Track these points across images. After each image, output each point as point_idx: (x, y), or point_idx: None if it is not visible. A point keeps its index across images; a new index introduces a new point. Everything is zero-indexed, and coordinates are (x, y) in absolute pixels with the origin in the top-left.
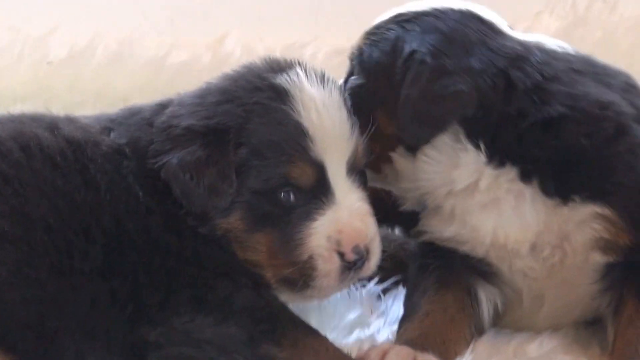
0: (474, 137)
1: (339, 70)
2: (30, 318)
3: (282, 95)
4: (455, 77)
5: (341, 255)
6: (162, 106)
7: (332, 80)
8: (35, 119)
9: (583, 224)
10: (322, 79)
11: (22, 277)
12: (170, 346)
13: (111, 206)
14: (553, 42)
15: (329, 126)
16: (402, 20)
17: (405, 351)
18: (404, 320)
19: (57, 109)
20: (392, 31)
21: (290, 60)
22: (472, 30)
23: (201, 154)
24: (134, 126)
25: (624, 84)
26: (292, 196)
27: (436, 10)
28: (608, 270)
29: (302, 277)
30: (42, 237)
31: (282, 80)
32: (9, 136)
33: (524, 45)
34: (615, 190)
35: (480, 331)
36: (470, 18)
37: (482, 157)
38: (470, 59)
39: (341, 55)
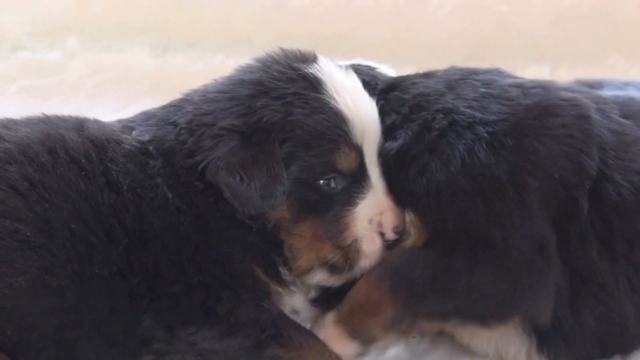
0: None
1: None
2: (51, 328)
3: (316, 85)
4: None
5: (381, 235)
6: (178, 107)
7: (347, 68)
8: (64, 120)
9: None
10: (340, 67)
11: (43, 286)
12: (173, 354)
13: (134, 205)
14: None
15: (363, 111)
16: None
17: None
18: None
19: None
20: None
21: (307, 51)
22: None
23: (246, 154)
24: (154, 126)
25: None
26: (333, 182)
27: None
28: None
29: (347, 260)
30: (65, 243)
31: (313, 69)
32: (37, 139)
33: None
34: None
35: None
36: None
37: None
38: None
39: None
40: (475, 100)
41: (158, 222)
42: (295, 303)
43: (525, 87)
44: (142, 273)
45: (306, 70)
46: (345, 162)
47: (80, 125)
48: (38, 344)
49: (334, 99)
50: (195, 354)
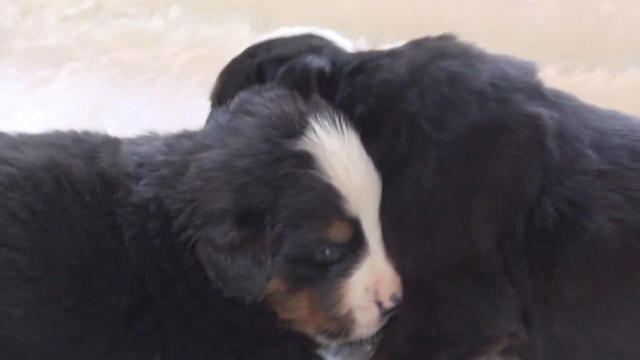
0: None
1: None
2: (46, 357)
3: (306, 161)
4: None
5: (379, 304)
6: (180, 167)
7: (346, 124)
8: (80, 142)
9: None
10: (337, 126)
11: (38, 317)
12: None
13: (134, 260)
14: None
15: (359, 180)
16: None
17: None
18: None
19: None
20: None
21: (301, 112)
22: None
23: (235, 237)
24: (156, 184)
25: None
26: (328, 252)
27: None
28: None
29: (343, 330)
30: (63, 277)
31: (302, 145)
32: (43, 165)
33: None
34: None
35: None
36: None
37: None
38: None
39: None
40: (436, 107)
41: (155, 288)
42: None
43: (485, 97)
44: (148, 330)
45: (294, 148)
46: (339, 235)
47: (92, 153)
48: None
49: (325, 172)
50: None
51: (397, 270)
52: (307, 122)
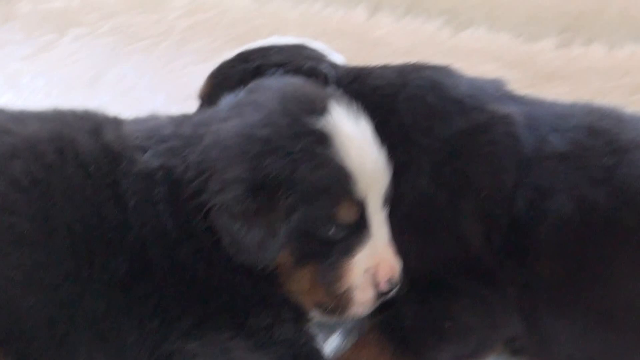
0: None
1: None
2: (42, 321)
3: (323, 140)
4: None
5: (375, 285)
6: (190, 138)
7: (362, 113)
8: (83, 119)
9: None
10: (354, 114)
11: (37, 281)
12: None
13: (137, 226)
14: None
15: (370, 165)
16: (248, 59)
17: None
18: None
19: None
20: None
21: (322, 94)
22: None
23: (251, 205)
24: (165, 154)
25: None
26: (332, 231)
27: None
28: None
29: (339, 307)
30: (63, 242)
31: (321, 123)
32: (47, 137)
33: None
34: None
35: None
36: None
37: None
38: None
39: None
40: (424, 118)
41: (157, 250)
42: None
43: (464, 104)
44: (146, 294)
45: (314, 126)
46: (345, 215)
47: (97, 128)
48: (29, 335)
49: (340, 154)
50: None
51: (404, 270)
52: (327, 105)
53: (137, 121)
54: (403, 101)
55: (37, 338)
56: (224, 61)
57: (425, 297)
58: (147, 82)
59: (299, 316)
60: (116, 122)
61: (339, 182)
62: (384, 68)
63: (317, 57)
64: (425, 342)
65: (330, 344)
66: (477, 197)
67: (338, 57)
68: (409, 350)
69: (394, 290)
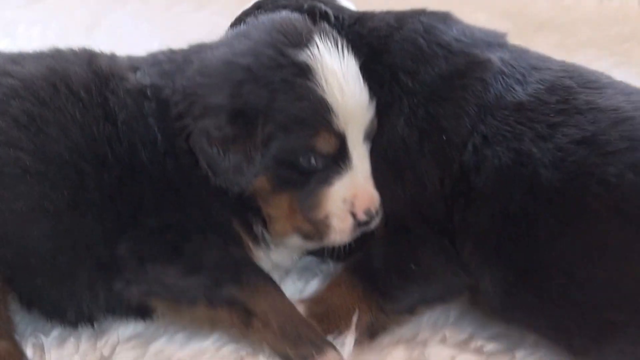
0: None
1: None
2: (47, 251)
3: (305, 72)
4: None
5: (353, 215)
6: (181, 64)
7: (348, 49)
8: (78, 54)
9: None
10: (339, 49)
11: (42, 211)
12: (140, 284)
13: (127, 137)
14: None
15: (350, 99)
16: (260, 7)
17: None
18: None
19: None
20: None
21: (309, 28)
22: None
23: (228, 132)
24: (156, 75)
25: None
26: (313, 160)
27: None
28: None
29: (318, 233)
30: (61, 171)
31: (303, 56)
32: (40, 74)
33: None
34: None
35: None
36: None
37: None
38: None
39: None
40: (411, 59)
41: (147, 156)
42: (275, 258)
43: (451, 49)
44: (128, 201)
45: (295, 58)
46: (324, 146)
47: (91, 60)
48: (35, 267)
49: (321, 86)
50: (160, 287)
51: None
52: (312, 38)
53: (132, 55)
54: (396, 42)
55: (41, 271)
56: (243, 11)
57: (393, 241)
58: (143, 30)
59: (229, 240)
60: (112, 55)
61: (317, 114)
62: (386, 13)
63: (326, 2)
64: (392, 283)
65: (312, 287)
66: (439, 140)
67: (347, 3)
68: (377, 290)
69: (374, 222)
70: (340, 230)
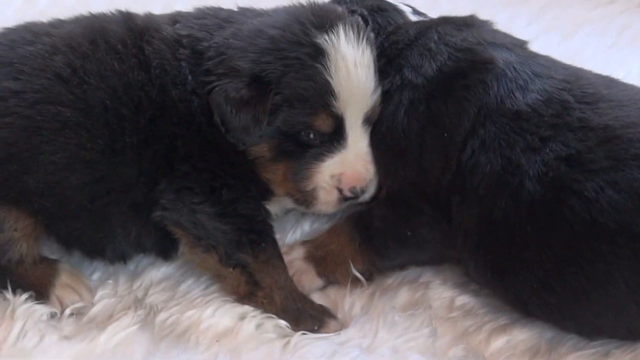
0: None
1: None
2: (85, 198)
3: (318, 54)
4: None
5: (340, 190)
6: (222, 23)
7: (368, 38)
8: (114, 15)
9: None
10: (359, 37)
11: (79, 161)
12: (173, 212)
13: (159, 79)
14: None
15: (355, 86)
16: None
17: None
18: None
19: None
20: None
21: (337, 14)
22: None
23: (244, 94)
24: (196, 27)
25: None
26: (311, 136)
27: None
28: None
29: (306, 202)
30: (100, 119)
31: (322, 39)
32: (80, 32)
33: None
34: None
35: None
36: None
37: None
38: None
39: None
40: (419, 57)
41: (177, 95)
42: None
43: (456, 47)
44: (163, 143)
45: (314, 39)
46: (322, 125)
47: (127, 19)
48: (73, 214)
49: (329, 69)
50: (189, 221)
51: (382, 184)
52: (337, 25)
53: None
54: (411, 51)
55: (79, 217)
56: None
57: (395, 205)
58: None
59: (263, 195)
60: (148, 13)
61: (319, 95)
62: (421, 23)
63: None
64: (387, 244)
65: (312, 223)
66: (441, 136)
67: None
68: (372, 248)
69: (364, 197)
70: (325, 202)
